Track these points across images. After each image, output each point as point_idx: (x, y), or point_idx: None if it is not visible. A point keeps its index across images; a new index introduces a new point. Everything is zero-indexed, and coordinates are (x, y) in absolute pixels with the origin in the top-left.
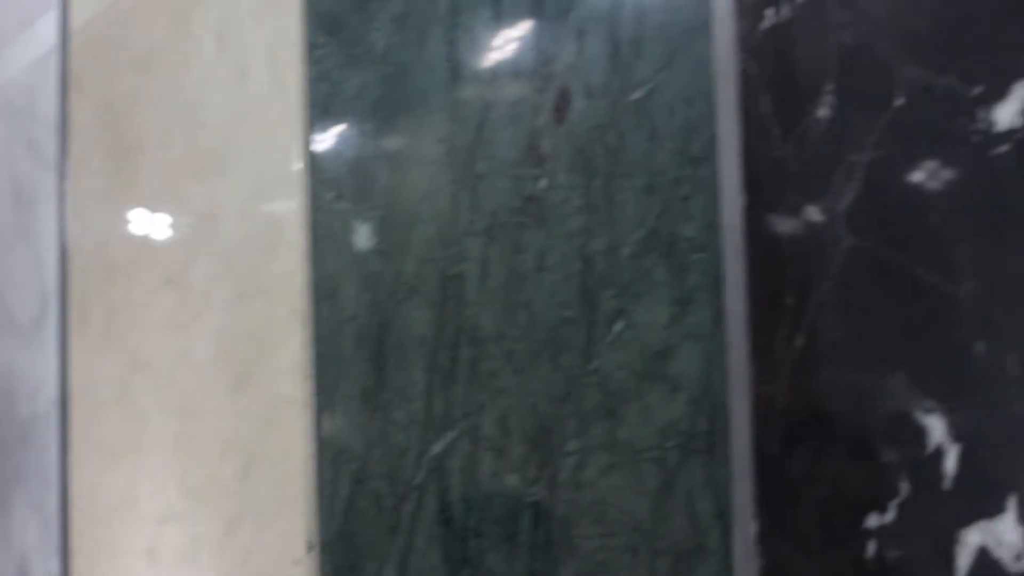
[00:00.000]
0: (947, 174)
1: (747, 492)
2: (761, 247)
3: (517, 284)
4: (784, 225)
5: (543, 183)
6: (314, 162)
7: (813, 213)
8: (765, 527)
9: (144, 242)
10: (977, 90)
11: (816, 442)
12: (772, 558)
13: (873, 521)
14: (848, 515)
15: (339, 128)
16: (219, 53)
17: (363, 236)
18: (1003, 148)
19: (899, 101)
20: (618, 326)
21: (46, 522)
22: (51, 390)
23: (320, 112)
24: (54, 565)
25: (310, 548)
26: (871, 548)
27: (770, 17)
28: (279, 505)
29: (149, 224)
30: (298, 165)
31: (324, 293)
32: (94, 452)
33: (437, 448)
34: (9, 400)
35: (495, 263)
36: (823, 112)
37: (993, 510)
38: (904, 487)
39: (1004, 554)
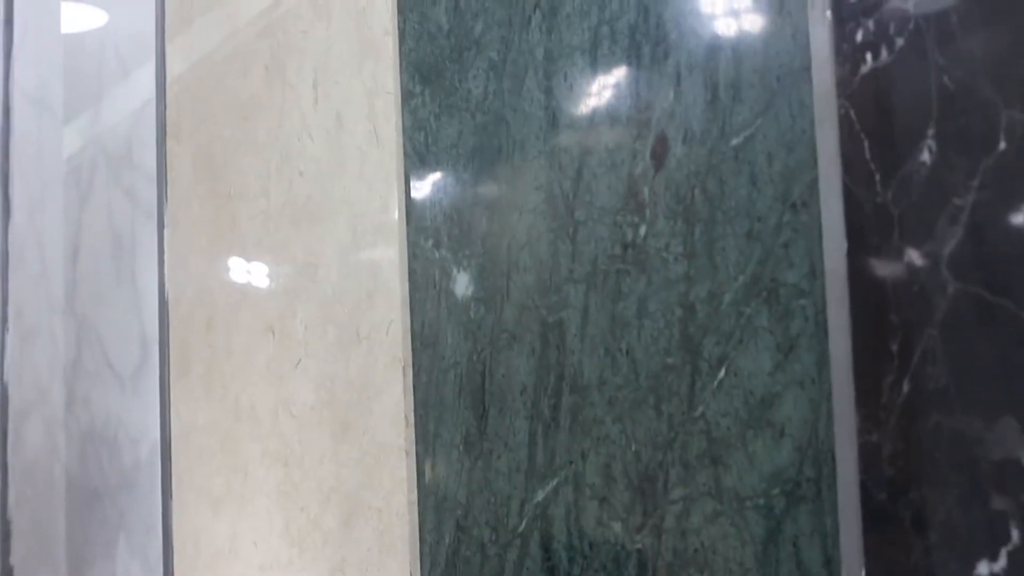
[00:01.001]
0: None
1: (855, 540)
2: (864, 293)
3: (618, 331)
4: (887, 270)
5: (643, 230)
6: (411, 210)
7: (916, 258)
8: (874, 575)
9: (244, 290)
10: None
11: (924, 489)
12: None
13: (984, 569)
14: (958, 563)
15: (436, 176)
16: (315, 102)
17: (462, 284)
18: None
19: (1002, 144)
20: (721, 373)
21: (150, 569)
22: (153, 438)
23: (417, 161)
24: None
25: None
26: None
27: (869, 62)
28: (382, 553)
29: (249, 272)
30: (395, 213)
31: (424, 341)
32: (197, 499)
33: (540, 496)
34: (112, 448)
35: (595, 310)
36: (925, 156)
37: None
38: (1015, 534)
39: None
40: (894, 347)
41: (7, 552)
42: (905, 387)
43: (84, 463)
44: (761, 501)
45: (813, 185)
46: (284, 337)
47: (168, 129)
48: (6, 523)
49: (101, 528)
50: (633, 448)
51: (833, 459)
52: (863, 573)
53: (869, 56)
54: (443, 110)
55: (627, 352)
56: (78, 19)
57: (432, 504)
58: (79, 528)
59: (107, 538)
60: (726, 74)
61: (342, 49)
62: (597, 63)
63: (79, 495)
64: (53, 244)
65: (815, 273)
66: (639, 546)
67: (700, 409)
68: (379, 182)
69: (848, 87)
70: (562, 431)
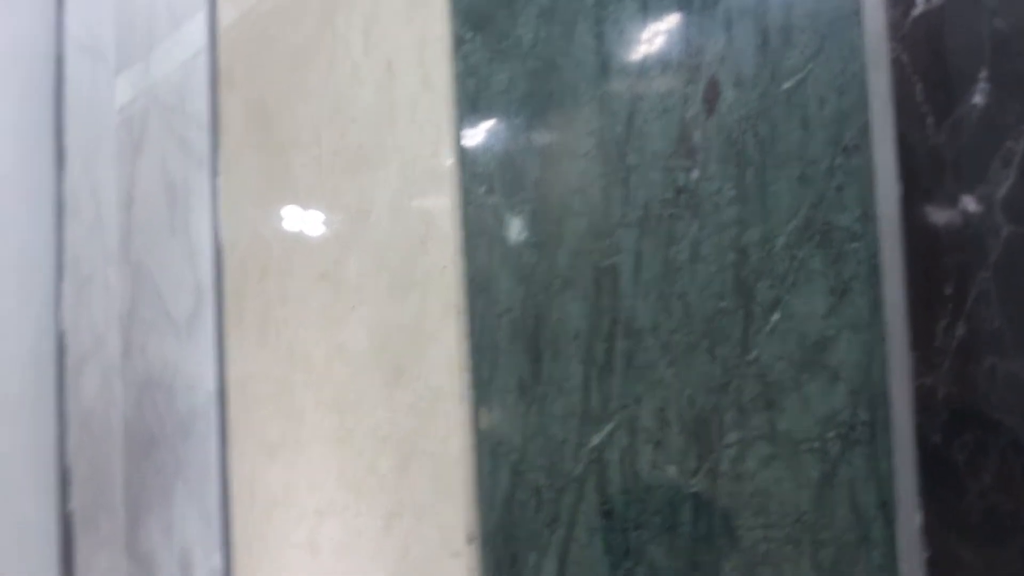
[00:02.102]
0: None
1: (910, 483)
2: (918, 236)
3: (671, 276)
4: (941, 214)
5: (695, 174)
6: (464, 157)
7: (970, 201)
8: (929, 518)
9: (298, 237)
10: None
11: (979, 432)
12: (938, 549)
13: None
14: (1013, 505)
15: (488, 123)
16: (366, 50)
17: (515, 230)
18: None
19: None
20: (775, 316)
21: (207, 516)
22: (208, 385)
23: (469, 107)
24: (217, 559)
25: (470, 540)
26: None
27: (920, 4)
28: (438, 498)
29: (302, 219)
30: (448, 160)
31: (478, 287)
32: (253, 446)
33: (595, 440)
34: (168, 394)
35: (648, 255)
36: (978, 99)
37: None
38: None
39: None
40: (948, 290)
41: (67, 498)
42: (959, 330)
43: (141, 410)
44: (816, 444)
45: (865, 129)
46: (338, 284)
47: (220, 78)
48: (65, 470)
49: (158, 475)
50: (687, 392)
51: (887, 402)
52: (919, 515)
53: None
54: (494, 56)
55: (680, 296)
56: None
57: (487, 449)
58: (136, 475)
59: (164, 485)
60: (776, 18)
61: None
62: (648, 8)
63: (136, 442)
64: (107, 193)
65: (868, 216)
66: (694, 489)
67: (754, 352)
68: (431, 129)
69: (900, 30)
70: (616, 375)
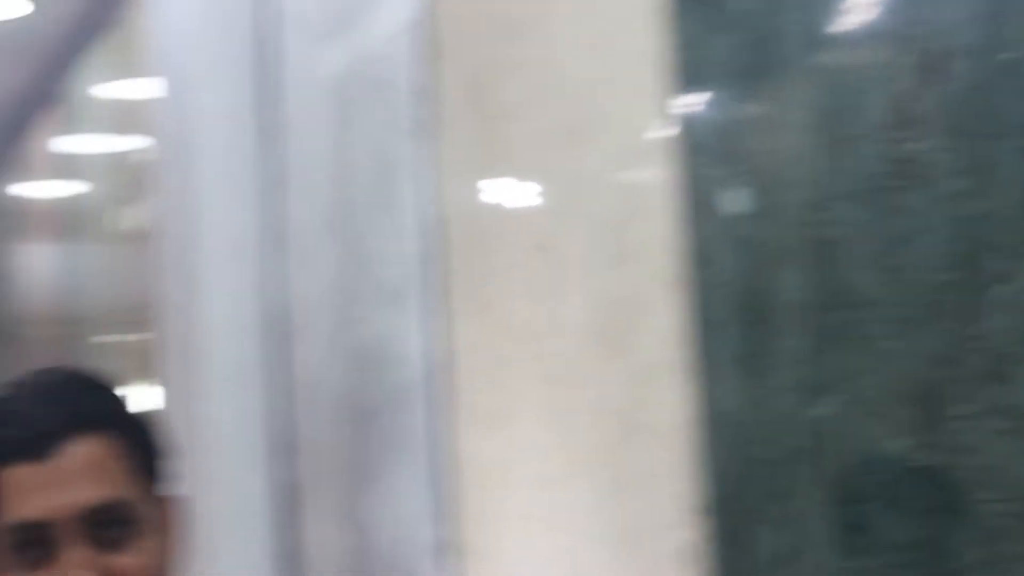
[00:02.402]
0: None
1: None
2: None
3: (893, 248)
4: None
5: (917, 145)
6: (682, 128)
7: None
8: None
9: (512, 209)
10: None
11: None
12: None
13: None
14: None
15: (707, 94)
16: (583, 20)
17: (734, 201)
18: None
19: None
20: (1002, 288)
21: (427, 488)
22: (424, 357)
23: (687, 78)
24: (436, 530)
25: (694, 514)
26: None
27: None
28: (660, 471)
29: (517, 191)
30: (666, 131)
31: (697, 259)
32: (469, 418)
33: (819, 412)
34: (380, 368)
35: (869, 227)
36: None
37: None
38: None
39: None
40: None
41: (284, 469)
42: None
43: (359, 382)
44: None
45: None
46: (554, 255)
47: (433, 49)
48: (285, 442)
49: (376, 447)
50: (912, 365)
51: None
52: None
53: None
54: (712, 27)
55: (902, 268)
56: None
57: (708, 422)
58: (356, 447)
59: (382, 456)
60: None
61: None
62: None
63: (354, 414)
64: (321, 167)
65: None
66: (922, 463)
67: (981, 325)
68: (649, 100)
69: None
70: (838, 348)
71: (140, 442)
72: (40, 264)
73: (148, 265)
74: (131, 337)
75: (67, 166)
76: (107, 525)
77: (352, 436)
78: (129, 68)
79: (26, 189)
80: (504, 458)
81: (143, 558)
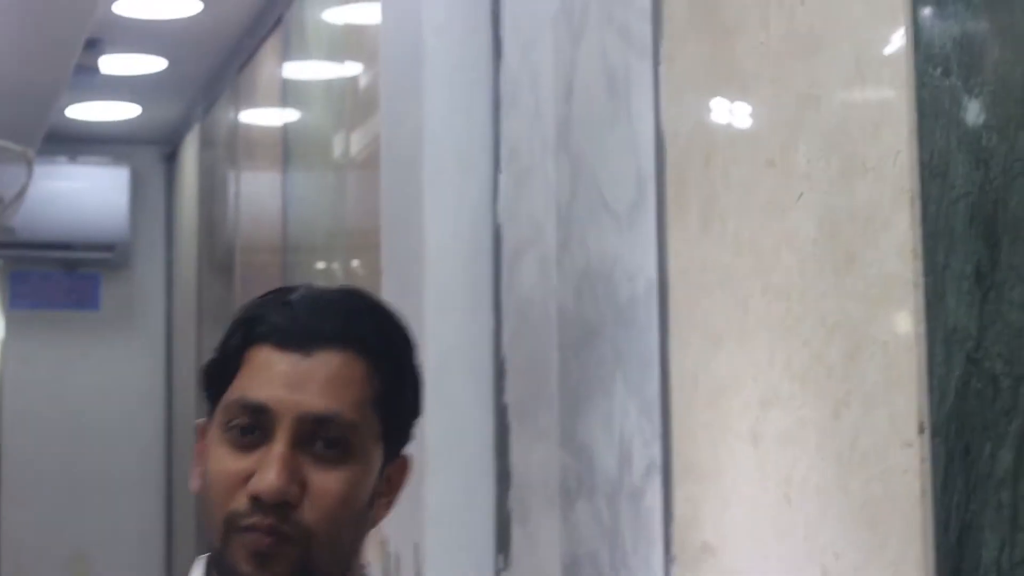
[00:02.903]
0: None
1: None
2: None
3: None
4: None
5: None
6: (919, 38)
7: None
8: None
9: (743, 124)
10: None
11: None
12: None
13: None
14: None
15: (944, 2)
16: None
17: (973, 112)
18: None
19: None
20: None
21: (647, 406)
22: (650, 274)
23: None
24: (656, 449)
25: (921, 430)
26: None
27: None
28: (888, 387)
29: (748, 106)
30: (902, 42)
31: (934, 171)
32: (695, 335)
33: None
34: (608, 285)
35: None
36: None
37: None
38: None
39: None
40: None
41: (501, 390)
42: None
43: (579, 301)
44: None
45: None
46: (785, 170)
47: None
48: (500, 361)
49: (597, 366)
50: None
51: None
52: None
53: None
54: None
55: None
56: None
57: (941, 337)
58: (574, 366)
59: (603, 375)
60: None
61: None
62: None
63: (574, 333)
64: (546, 84)
65: None
66: None
67: None
68: (884, 9)
69: None
70: None
71: (397, 385)
72: (265, 191)
73: (373, 191)
74: (355, 263)
75: (292, 93)
76: (326, 440)
77: (574, 356)
78: None
79: (251, 116)
80: (731, 374)
81: (345, 486)
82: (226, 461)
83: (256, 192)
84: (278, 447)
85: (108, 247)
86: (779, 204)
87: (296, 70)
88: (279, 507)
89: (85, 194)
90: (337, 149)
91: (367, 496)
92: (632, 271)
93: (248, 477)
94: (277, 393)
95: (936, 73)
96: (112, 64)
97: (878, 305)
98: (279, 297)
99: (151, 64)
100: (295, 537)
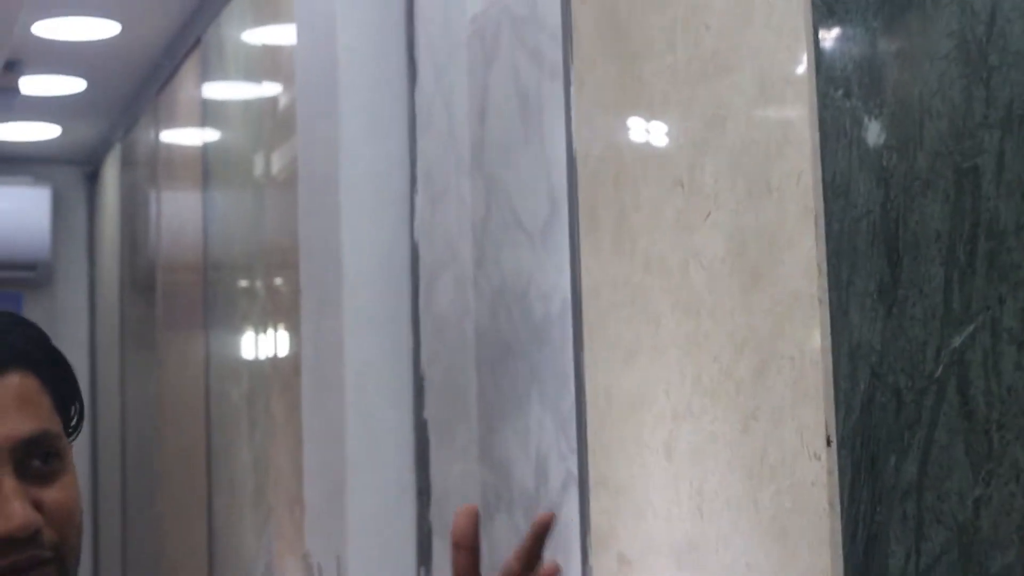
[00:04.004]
0: None
1: None
2: None
3: None
4: None
5: None
6: (820, 61)
7: None
8: None
9: (651, 145)
10: None
11: None
12: None
13: None
14: None
15: (845, 26)
16: None
17: (874, 132)
18: None
19: None
20: None
21: (563, 421)
22: (563, 292)
23: (825, 10)
24: (572, 463)
25: (828, 443)
26: None
27: None
28: (796, 401)
29: (656, 127)
30: (804, 65)
31: (836, 191)
32: (609, 352)
33: (956, 342)
34: (523, 303)
35: (1012, 156)
36: None
37: None
38: None
39: None
40: None
41: (421, 406)
42: None
43: (495, 319)
44: None
45: None
46: (693, 190)
47: None
48: (419, 378)
49: (513, 382)
50: None
51: None
52: None
53: None
54: None
55: None
56: None
57: (846, 351)
58: (491, 383)
59: (519, 392)
60: None
61: None
62: None
63: (491, 350)
64: (460, 105)
65: None
66: None
67: None
68: (787, 33)
69: None
70: (979, 277)
71: (63, 381)
72: (186, 210)
73: (293, 210)
74: (276, 281)
75: (212, 113)
76: (40, 457)
77: (491, 373)
78: (271, 14)
79: (171, 136)
80: (642, 391)
81: (71, 492)
82: None
83: (177, 211)
84: (7, 482)
85: (30, 266)
86: (688, 223)
87: (215, 90)
88: (31, 537)
89: (7, 214)
90: (257, 168)
91: (79, 493)
92: (546, 289)
93: None
94: None
95: (838, 95)
96: (32, 85)
97: (785, 321)
98: None
99: (71, 85)
100: (52, 558)
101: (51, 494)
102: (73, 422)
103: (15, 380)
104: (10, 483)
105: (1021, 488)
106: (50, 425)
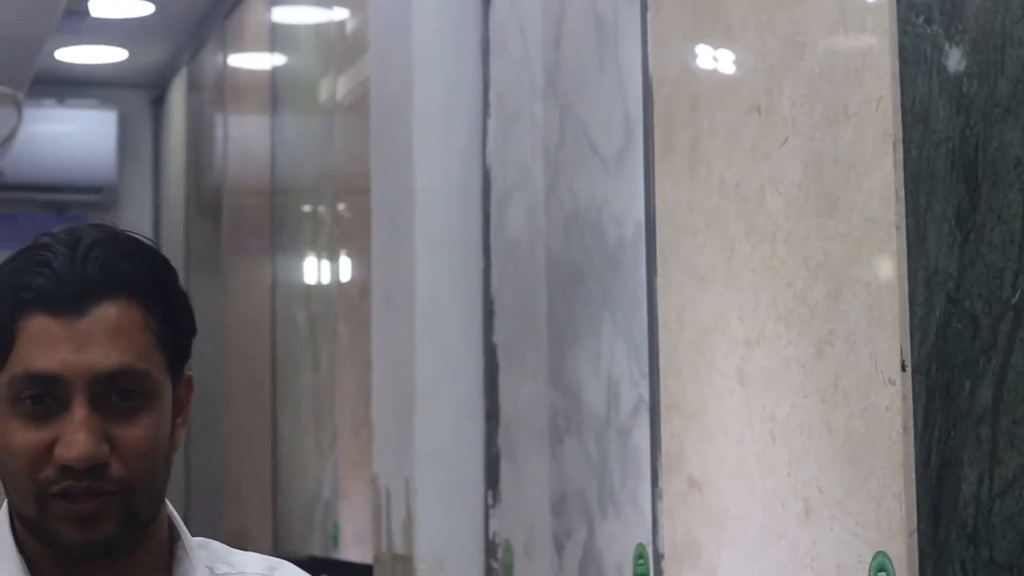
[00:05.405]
0: None
1: None
2: None
3: None
4: None
5: None
6: None
7: None
8: None
9: (729, 69)
10: None
11: None
12: None
13: None
14: None
15: None
16: None
17: (954, 59)
18: None
19: None
20: None
21: (635, 346)
22: (637, 217)
23: None
24: (643, 388)
25: (903, 368)
26: None
27: None
28: (871, 326)
29: (734, 52)
30: None
31: (915, 116)
32: (682, 276)
33: None
34: (596, 228)
35: None
36: None
37: None
38: None
39: None
40: None
41: (490, 330)
42: None
43: (567, 243)
44: None
45: None
46: (770, 115)
47: None
48: (489, 302)
49: (585, 307)
50: None
51: None
52: None
53: None
54: None
55: None
56: None
57: (922, 277)
58: (562, 307)
59: (591, 316)
60: None
61: None
62: None
63: (562, 274)
64: (535, 29)
65: None
66: None
67: None
68: None
69: None
70: None
71: (170, 315)
72: (253, 135)
73: (361, 134)
74: (343, 206)
75: (280, 36)
76: (120, 393)
77: (562, 297)
78: None
79: (239, 60)
80: (718, 314)
81: (149, 432)
82: (24, 434)
83: (244, 136)
84: (78, 412)
85: (96, 190)
86: (764, 149)
87: (284, 14)
88: (93, 469)
89: (73, 137)
90: (325, 93)
91: (168, 432)
92: (619, 214)
93: (50, 446)
94: (64, 359)
95: (918, 21)
96: (101, 7)
97: (861, 247)
98: (35, 257)
99: (139, 8)
100: (115, 492)
101: (127, 431)
102: (178, 353)
103: (112, 311)
104: (81, 413)
105: None
106: (139, 361)
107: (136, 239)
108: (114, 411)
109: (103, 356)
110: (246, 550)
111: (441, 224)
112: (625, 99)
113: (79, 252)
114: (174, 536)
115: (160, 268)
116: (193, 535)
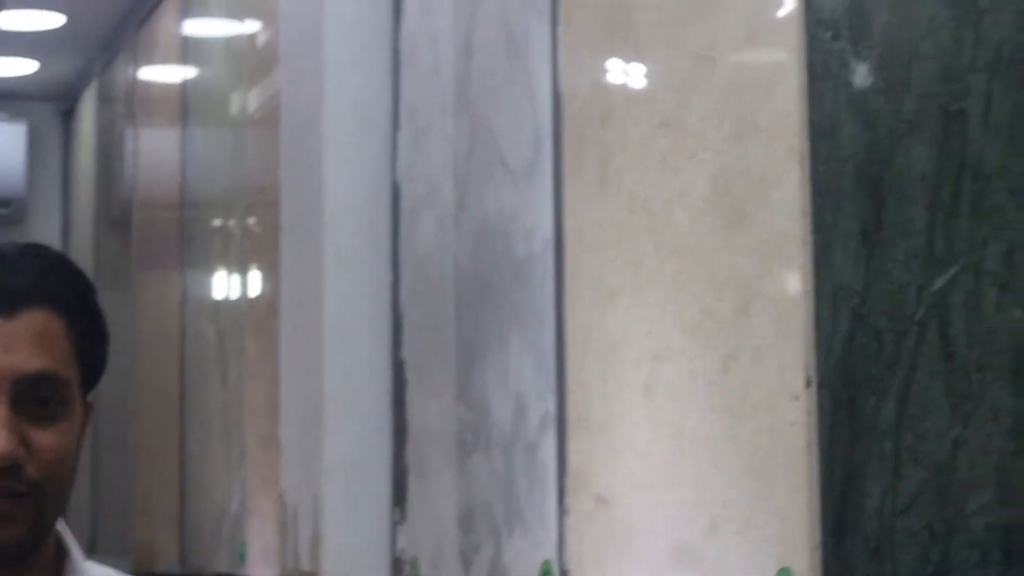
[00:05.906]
0: None
1: None
2: None
3: (1023, 119)
4: None
5: None
6: (809, 2)
7: None
8: None
9: (638, 84)
10: None
11: None
12: None
13: None
14: None
15: None
16: None
17: (861, 74)
18: None
19: None
20: None
21: (542, 361)
22: (546, 232)
23: None
24: (550, 402)
25: (808, 383)
26: None
27: None
28: (777, 341)
29: (643, 67)
30: (793, 6)
31: (822, 132)
32: (590, 291)
33: (939, 284)
34: (505, 242)
35: (999, 99)
36: None
37: None
38: None
39: None
40: None
41: (399, 345)
42: None
43: (476, 257)
44: None
45: None
46: (679, 130)
47: None
48: (398, 317)
49: (493, 321)
50: None
51: None
52: None
53: None
54: None
55: None
56: None
57: (829, 292)
58: (470, 322)
59: (499, 331)
60: None
61: None
62: None
63: (471, 289)
64: (446, 42)
65: None
66: None
67: None
68: None
69: None
70: (962, 219)
71: (89, 332)
72: (163, 148)
73: (272, 148)
74: (253, 220)
75: (191, 49)
76: (39, 399)
77: (471, 312)
78: None
79: (150, 73)
80: (623, 330)
81: (63, 439)
82: None
83: (154, 149)
84: (1, 411)
85: (5, 203)
86: (673, 163)
87: (195, 27)
88: (9, 469)
89: None
90: (236, 106)
91: (76, 443)
92: (528, 229)
93: None
94: None
95: (826, 37)
96: (10, 19)
97: (768, 262)
98: None
99: (50, 20)
100: (28, 494)
101: (43, 436)
102: (91, 372)
103: (39, 317)
104: (2, 412)
105: (998, 430)
106: (60, 369)
107: (61, 255)
108: (32, 415)
109: (28, 359)
110: (152, 567)
111: (350, 238)
112: (535, 113)
113: (8, 259)
114: (61, 553)
115: (82, 285)
116: (101, 549)
